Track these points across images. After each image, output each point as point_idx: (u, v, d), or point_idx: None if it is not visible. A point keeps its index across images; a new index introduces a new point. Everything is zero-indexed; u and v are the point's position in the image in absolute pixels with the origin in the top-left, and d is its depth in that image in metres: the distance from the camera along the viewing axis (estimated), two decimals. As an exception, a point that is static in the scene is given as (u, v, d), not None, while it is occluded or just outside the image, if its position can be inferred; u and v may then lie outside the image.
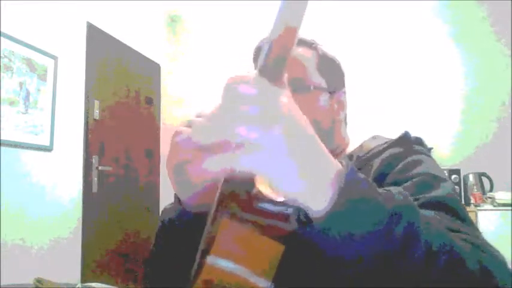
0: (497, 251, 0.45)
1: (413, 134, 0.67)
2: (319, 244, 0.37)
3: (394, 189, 0.39)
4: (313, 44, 0.79)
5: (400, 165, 0.60)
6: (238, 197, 0.41)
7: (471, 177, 2.78)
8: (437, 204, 0.51)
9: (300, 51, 0.77)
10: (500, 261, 0.43)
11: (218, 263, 0.40)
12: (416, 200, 0.51)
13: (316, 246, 0.37)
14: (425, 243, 0.37)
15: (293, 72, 0.67)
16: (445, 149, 2.87)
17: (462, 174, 2.77)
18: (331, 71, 0.78)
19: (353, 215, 0.34)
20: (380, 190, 0.38)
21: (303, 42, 0.78)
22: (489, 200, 2.64)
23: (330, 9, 3.34)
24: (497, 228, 2.41)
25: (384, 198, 0.36)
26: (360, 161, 0.66)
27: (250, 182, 0.39)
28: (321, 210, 0.35)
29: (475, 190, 2.72)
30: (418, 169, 0.58)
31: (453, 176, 2.67)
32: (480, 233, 0.49)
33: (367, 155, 0.66)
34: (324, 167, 0.35)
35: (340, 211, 0.34)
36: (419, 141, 0.66)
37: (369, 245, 0.35)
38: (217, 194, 0.43)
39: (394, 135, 0.74)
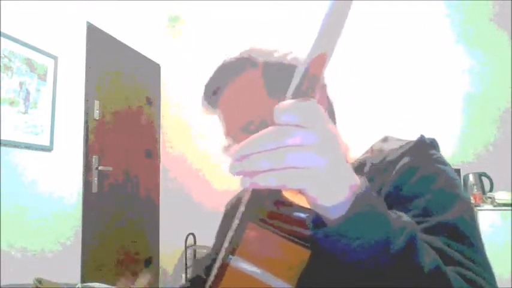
0: (492, 282, 0.49)
1: (414, 133, 0.65)
2: (328, 247, 0.41)
3: (401, 214, 0.44)
4: (253, 60, 0.68)
5: (415, 178, 0.58)
6: (266, 203, 0.43)
7: (471, 177, 2.78)
8: (446, 228, 0.52)
9: (243, 81, 0.67)
10: None
11: (242, 265, 0.42)
12: (426, 222, 0.53)
13: (326, 249, 0.41)
14: (419, 267, 0.41)
15: (243, 116, 0.66)
16: (446, 149, 2.86)
17: (462, 174, 2.77)
18: (285, 80, 0.66)
19: (362, 224, 0.40)
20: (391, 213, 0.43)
21: (243, 63, 0.68)
22: (489, 200, 2.64)
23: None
24: (497, 228, 2.41)
25: (392, 217, 0.42)
26: (375, 168, 0.63)
27: (276, 190, 0.42)
28: (335, 216, 0.40)
29: (475, 190, 2.72)
30: (433, 185, 0.57)
31: (453, 176, 2.66)
32: (486, 258, 0.52)
33: (382, 163, 0.63)
34: (350, 182, 0.40)
35: (351, 219, 0.39)
36: (434, 145, 0.64)
37: (369, 253, 0.40)
38: (246, 199, 0.45)
39: (396, 134, 0.73)
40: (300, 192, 0.38)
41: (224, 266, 0.43)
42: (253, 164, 0.36)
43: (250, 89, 0.67)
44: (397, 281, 0.41)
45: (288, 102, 0.37)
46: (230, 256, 0.42)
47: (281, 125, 0.36)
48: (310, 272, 0.44)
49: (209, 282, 0.48)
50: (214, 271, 0.46)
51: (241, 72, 0.68)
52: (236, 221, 0.45)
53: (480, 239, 0.55)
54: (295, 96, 0.37)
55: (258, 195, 0.44)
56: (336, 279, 0.44)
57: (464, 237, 0.52)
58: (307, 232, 0.42)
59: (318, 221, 0.42)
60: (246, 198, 0.46)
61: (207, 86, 0.71)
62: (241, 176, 0.37)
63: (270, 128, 0.36)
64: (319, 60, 0.36)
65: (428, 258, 0.43)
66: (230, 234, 0.46)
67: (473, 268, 0.49)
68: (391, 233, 0.40)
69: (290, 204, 0.44)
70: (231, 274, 0.42)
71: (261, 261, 0.42)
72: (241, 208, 0.46)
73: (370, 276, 0.41)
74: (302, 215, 0.43)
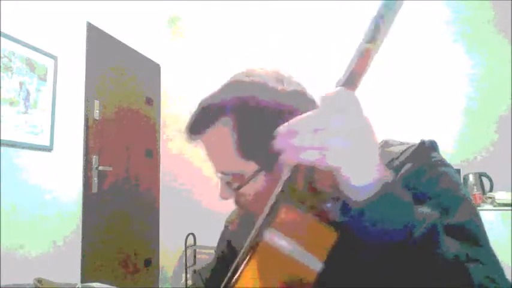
0: (508, 282, 0.51)
1: (414, 133, 0.66)
2: (355, 228, 0.45)
3: (422, 208, 0.48)
4: (222, 110, 0.63)
5: (419, 183, 0.59)
6: (301, 186, 0.49)
7: (471, 177, 2.77)
8: (456, 230, 0.53)
9: (214, 135, 0.64)
10: None
11: (275, 239, 0.45)
12: None
13: (352, 230, 0.45)
14: (438, 253, 0.44)
15: (217, 165, 0.67)
16: (446, 149, 2.86)
17: (462, 174, 2.76)
18: (261, 139, 0.58)
19: (387, 208, 0.43)
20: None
21: (211, 116, 0.64)
22: (489, 200, 2.64)
23: (330, 9, 3.34)
24: (497, 228, 2.41)
25: (416, 207, 0.46)
26: None
27: (311, 174, 0.48)
28: (360, 201, 0.44)
29: (475, 190, 2.72)
30: (437, 188, 0.58)
31: (453, 176, 2.66)
32: (496, 258, 0.54)
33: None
34: (380, 168, 0.45)
35: (378, 202, 0.43)
36: (434, 147, 0.64)
37: (393, 237, 0.43)
38: (282, 182, 0.49)
39: (397, 135, 0.73)
40: (335, 172, 0.43)
41: (257, 241, 0.46)
42: (298, 141, 0.41)
43: (220, 144, 0.65)
44: (419, 268, 0.44)
45: (334, 90, 0.42)
46: (264, 231, 0.46)
47: (325, 109, 0.41)
48: (337, 255, 0.46)
49: (238, 259, 0.50)
50: (245, 248, 0.49)
51: (214, 125, 0.65)
52: (271, 202, 0.49)
53: (488, 239, 0.55)
54: (342, 85, 0.43)
55: (293, 179, 0.48)
56: (360, 264, 0.47)
57: (474, 238, 0.53)
58: (336, 216, 0.47)
59: (346, 207, 0.46)
60: (283, 179, 0.50)
61: (186, 128, 0.69)
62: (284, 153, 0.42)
63: (315, 110, 0.42)
64: (365, 57, 0.42)
65: (449, 249, 0.46)
66: (265, 211, 0.49)
67: (487, 267, 0.50)
68: (415, 219, 0.44)
69: (321, 191, 0.49)
70: (264, 248, 0.46)
71: (292, 237, 0.45)
72: (278, 189, 0.49)
73: (393, 261, 0.44)
74: (330, 204, 0.47)
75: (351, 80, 0.44)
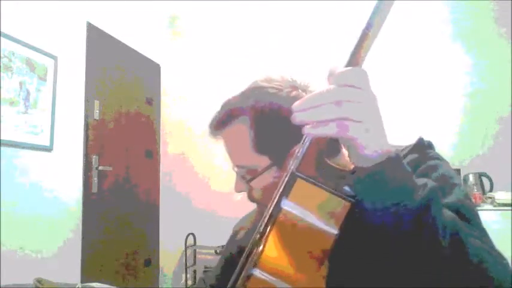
0: (504, 257, 0.52)
1: (414, 133, 0.68)
2: (363, 191, 0.48)
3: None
4: (242, 110, 0.70)
5: (417, 172, 0.63)
6: (313, 164, 0.52)
7: (471, 177, 2.77)
8: (451, 211, 0.54)
9: (233, 133, 0.71)
10: (504, 265, 0.51)
11: (292, 208, 0.49)
12: None
13: (362, 194, 0.48)
14: (438, 220, 0.47)
15: (234, 160, 0.72)
16: (445, 149, 2.87)
17: (462, 174, 2.76)
18: (275, 137, 0.67)
19: (391, 176, 0.46)
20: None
21: (231, 115, 0.71)
22: (489, 200, 2.64)
23: (328, 10, 3.34)
24: (497, 228, 2.41)
25: (417, 181, 0.49)
26: None
27: (321, 155, 0.52)
28: (367, 167, 0.47)
29: (475, 190, 2.72)
30: (433, 175, 0.62)
31: (453, 176, 2.66)
32: (490, 238, 0.55)
33: None
34: (387, 140, 0.47)
35: (382, 171, 0.46)
36: (431, 146, 0.70)
37: (397, 199, 0.46)
38: (295, 158, 0.52)
39: (396, 135, 0.73)
40: (350, 141, 0.45)
41: (276, 211, 0.50)
42: (317, 114, 0.43)
43: (238, 139, 0.71)
44: (420, 234, 0.46)
45: (344, 68, 0.44)
46: (282, 200, 0.50)
47: (338, 85, 0.43)
48: (351, 222, 0.49)
49: (260, 228, 0.53)
50: (264, 219, 0.52)
51: (234, 122, 0.71)
52: (285, 178, 0.52)
53: (481, 222, 0.57)
54: (348, 65, 0.46)
55: (306, 156, 0.51)
56: (370, 230, 0.50)
57: (466, 218, 0.55)
58: (349, 192, 0.50)
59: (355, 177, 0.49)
60: (296, 156, 0.52)
61: (209, 125, 0.76)
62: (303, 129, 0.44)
63: (330, 86, 0.44)
64: (366, 42, 0.45)
65: (447, 217, 0.49)
66: (281, 184, 0.52)
67: (482, 241, 0.52)
68: (416, 185, 0.47)
69: (331, 166, 0.53)
70: (283, 218, 0.49)
71: (308, 205, 0.49)
72: (291, 165, 0.52)
73: (398, 225, 0.46)
74: (347, 188, 0.51)
75: (354, 62, 0.46)
